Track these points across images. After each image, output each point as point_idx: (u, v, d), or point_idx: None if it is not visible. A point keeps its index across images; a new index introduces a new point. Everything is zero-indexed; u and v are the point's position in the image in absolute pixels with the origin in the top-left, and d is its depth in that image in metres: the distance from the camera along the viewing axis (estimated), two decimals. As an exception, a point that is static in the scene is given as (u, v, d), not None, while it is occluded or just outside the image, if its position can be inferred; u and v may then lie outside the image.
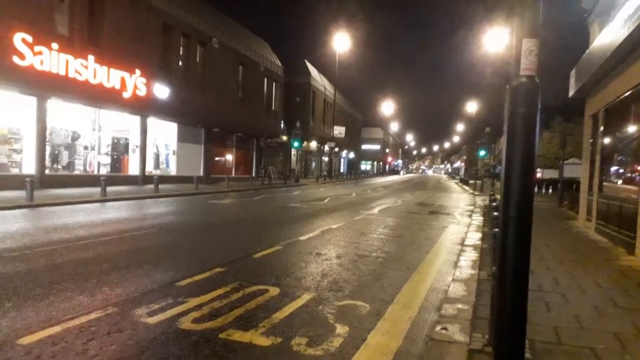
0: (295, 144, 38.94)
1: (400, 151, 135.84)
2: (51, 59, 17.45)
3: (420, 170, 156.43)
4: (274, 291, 5.49)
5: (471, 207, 18.82)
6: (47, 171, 18.66)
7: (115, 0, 20.90)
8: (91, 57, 19.25)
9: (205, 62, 28.71)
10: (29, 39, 16.52)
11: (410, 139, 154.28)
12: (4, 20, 15.78)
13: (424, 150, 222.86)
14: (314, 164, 53.21)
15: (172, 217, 12.66)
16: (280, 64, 40.24)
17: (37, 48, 16.85)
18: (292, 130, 39.07)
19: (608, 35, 9.23)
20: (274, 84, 39.44)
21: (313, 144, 49.58)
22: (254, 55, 35.11)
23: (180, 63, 26.83)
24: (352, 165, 72.18)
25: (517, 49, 3.37)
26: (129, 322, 4.36)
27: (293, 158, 45.83)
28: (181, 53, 26.87)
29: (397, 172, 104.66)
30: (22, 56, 16.38)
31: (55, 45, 17.57)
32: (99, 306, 4.70)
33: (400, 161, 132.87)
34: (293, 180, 37.60)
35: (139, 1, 22.43)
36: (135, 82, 21.73)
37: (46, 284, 5.52)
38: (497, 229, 4.33)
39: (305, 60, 48.08)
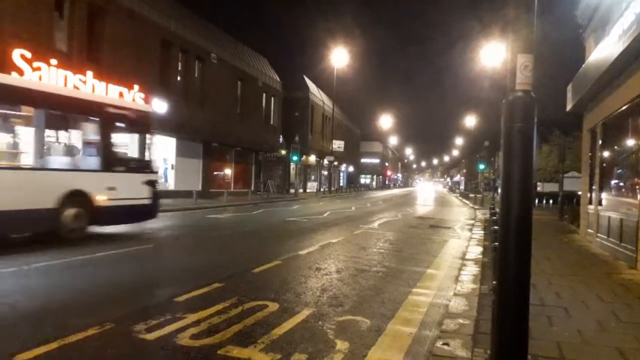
0: (294, 158, 38.97)
1: (399, 165, 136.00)
2: (50, 75, 17.51)
3: (416, 183, 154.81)
4: (273, 307, 5.43)
5: (472, 221, 18.77)
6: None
7: (114, 16, 21.10)
8: (90, 73, 19.29)
9: (203, 78, 28.87)
10: (28, 54, 16.58)
11: (409, 152, 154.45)
12: (3, 37, 15.89)
13: (423, 163, 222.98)
14: (313, 178, 53.20)
15: (170, 232, 12.61)
16: (278, 79, 40.48)
17: (35, 64, 16.90)
18: (291, 145, 39.13)
19: (603, 50, 9.30)
20: (272, 98, 39.62)
21: (312, 158, 49.62)
22: (252, 71, 35.33)
23: (178, 78, 26.97)
24: (352, 179, 72.16)
25: (513, 64, 3.39)
26: (127, 338, 4.30)
27: (292, 172, 45.82)
28: (180, 68, 27.03)
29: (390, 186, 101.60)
30: (21, 72, 16.42)
31: (54, 61, 17.64)
32: (96, 322, 4.63)
33: (400, 175, 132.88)
34: (292, 194, 37.56)
35: (138, 17, 22.65)
36: (133, 97, 21.80)
37: (43, 300, 5.47)
38: (497, 243, 4.31)
39: (304, 76, 48.35)
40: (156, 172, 12.79)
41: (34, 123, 9.87)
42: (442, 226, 16.52)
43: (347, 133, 65.32)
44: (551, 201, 31.47)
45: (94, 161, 10.86)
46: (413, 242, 11.94)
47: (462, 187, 76.02)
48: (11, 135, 10.06)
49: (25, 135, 10.06)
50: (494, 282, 4.33)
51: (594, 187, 12.30)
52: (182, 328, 4.57)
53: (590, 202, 12.64)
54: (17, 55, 16.31)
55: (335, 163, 53.55)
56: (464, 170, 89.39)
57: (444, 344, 4.18)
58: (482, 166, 42.46)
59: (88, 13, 19.72)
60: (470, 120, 63.17)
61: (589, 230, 12.33)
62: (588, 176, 13.08)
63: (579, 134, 19.39)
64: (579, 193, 15.12)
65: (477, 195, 41.60)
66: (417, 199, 41.90)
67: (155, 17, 23.98)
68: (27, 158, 9.85)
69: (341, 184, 64.79)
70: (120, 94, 21.24)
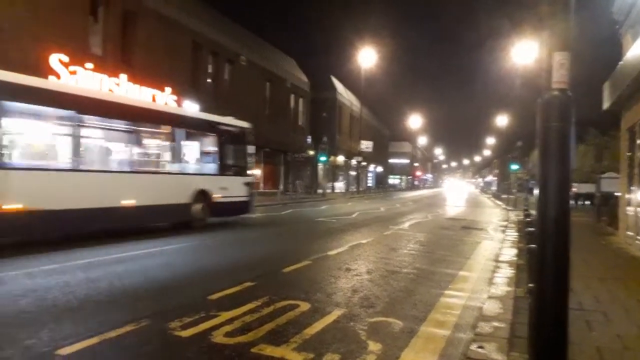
0: (322, 158, 39.03)
1: (429, 165, 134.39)
2: (86, 78, 17.97)
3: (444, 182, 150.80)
4: (304, 306, 5.46)
5: (505, 223, 18.38)
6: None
7: (146, 20, 21.61)
8: (124, 76, 19.80)
9: (233, 79, 29.25)
10: (65, 59, 17.07)
11: (439, 152, 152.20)
12: (41, 42, 16.42)
13: (454, 164, 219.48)
14: (341, 178, 53.14)
15: (202, 232, 12.79)
16: (306, 80, 40.61)
17: (72, 68, 17.39)
18: (319, 145, 39.20)
19: (643, 46, 8.98)
20: (300, 99, 39.81)
21: (340, 158, 49.57)
22: (280, 72, 35.58)
23: (209, 80, 27.41)
24: (380, 180, 71.75)
25: (548, 62, 3.31)
26: (163, 335, 4.40)
27: (320, 172, 45.92)
28: (210, 70, 27.48)
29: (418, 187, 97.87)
30: (58, 76, 16.93)
31: (89, 65, 18.15)
32: (134, 319, 4.76)
33: (430, 175, 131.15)
34: (320, 195, 37.62)
35: (169, 21, 23.12)
36: (166, 100, 22.23)
37: (82, 296, 5.65)
38: (532, 245, 4.21)
39: (331, 76, 48.34)
40: (253, 176, 15.61)
41: (174, 138, 12.93)
42: (474, 227, 16.24)
43: (375, 133, 65.03)
44: (587, 202, 30.57)
45: (212, 167, 14.03)
46: (444, 243, 11.79)
47: (494, 187, 74.40)
48: (159, 148, 12.89)
49: (168, 147, 12.95)
50: (529, 285, 4.24)
51: (632, 188, 11.88)
52: (216, 326, 4.65)
53: (629, 204, 12.22)
54: (55, 59, 16.83)
55: (364, 163, 53.37)
56: (496, 171, 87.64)
57: (478, 347, 4.11)
58: (514, 167, 41.46)
59: (121, 17, 20.26)
60: (502, 120, 61.93)
61: (629, 233, 11.92)
62: (627, 176, 12.65)
63: (616, 133, 18.78)
64: (617, 194, 14.63)
65: (510, 197, 40.74)
66: (447, 200, 41.33)
67: (186, 20, 24.44)
68: (170, 165, 12.89)
69: (369, 185, 64.49)
70: (153, 97, 21.68)
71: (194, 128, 13.75)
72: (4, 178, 8.48)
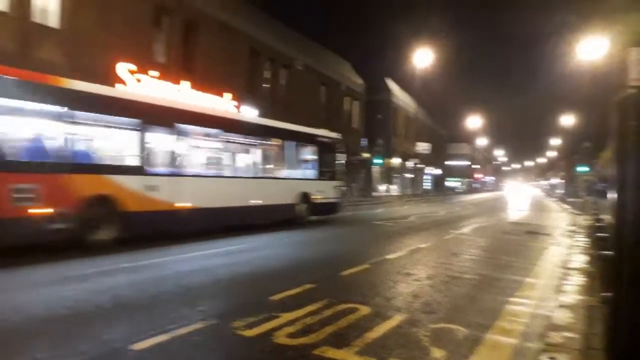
0: (377, 160, 38.75)
1: (489, 167, 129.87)
2: (150, 86, 18.76)
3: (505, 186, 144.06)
4: (364, 310, 5.44)
5: (573, 228, 17.46)
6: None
7: (207, 28, 22.39)
8: (186, 83, 20.56)
9: (289, 84, 29.72)
10: (131, 67, 17.93)
11: (500, 154, 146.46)
12: (110, 51, 17.34)
13: (517, 166, 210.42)
14: (396, 181, 52.52)
15: (260, 234, 13.07)
16: (361, 82, 40.54)
17: (137, 76, 18.23)
18: (374, 147, 38.95)
19: None
20: (355, 102, 39.79)
21: (395, 161, 49.01)
22: (335, 75, 35.73)
23: (266, 85, 28.00)
24: (437, 182, 70.23)
25: (624, 59, 3.15)
26: (228, 334, 4.55)
27: (375, 175, 45.62)
28: (267, 76, 28.07)
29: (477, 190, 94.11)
30: (124, 83, 17.78)
31: (155, 73, 18.97)
32: (201, 318, 4.95)
33: (491, 178, 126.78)
34: (375, 197, 37.37)
35: (228, 28, 23.85)
36: (226, 106, 22.87)
37: (155, 294, 5.95)
38: (605, 252, 3.98)
39: (386, 79, 47.86)
40: (342, 180, 18.11)
41: (285, 149, 15.26)
42: (539, 232, 15.52)
43: (431, 134, 63.78)
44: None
45: (311, 173, 16.29)
46: (508, 248, 11.37)
47: (559, 190, 70.77)
48: (275, 157, 15.01)
49: (281, 156, 15.21)
50: (603, 294, 4.02)
51: None
52: (278, 327, 4.74)
53: None
54: (123, 68, 17.72)
55: (420, 165, 52.47)
56: (562, 173, 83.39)
57: (550, 357, 3.93)
58: (582, 168, 39.27)
59: (184, 26, 21.14)
60: (567, 120, 58.86)
61: None
62: None
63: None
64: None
65: (577, 200, 38.62)
66: (510, 204, 39.82)
67: (244, 27, 25.11)
68: (282, 172, 15.11)
69: (426, 187, 63.26)
70: (214, 104, 22.29)
71: (299, 140, 16.01)
72: (178, 183, 11.02)
